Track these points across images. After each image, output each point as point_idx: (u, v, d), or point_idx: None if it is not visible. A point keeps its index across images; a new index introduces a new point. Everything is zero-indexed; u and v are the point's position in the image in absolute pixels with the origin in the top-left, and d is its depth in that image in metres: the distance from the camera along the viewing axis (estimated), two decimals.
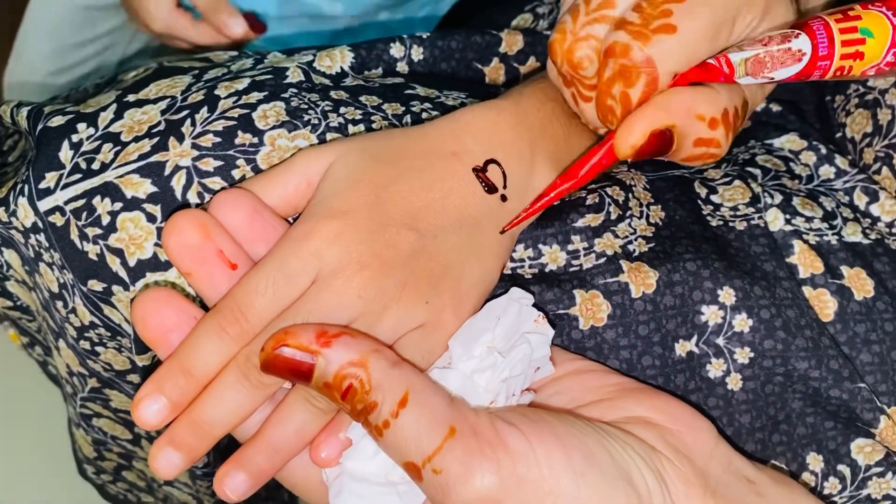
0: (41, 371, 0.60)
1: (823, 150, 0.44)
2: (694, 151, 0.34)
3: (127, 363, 0.42)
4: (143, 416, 0.30)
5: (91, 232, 0.36)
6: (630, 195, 0.39)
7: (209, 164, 0.36)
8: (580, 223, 0.38)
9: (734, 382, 0.37)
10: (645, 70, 0.32)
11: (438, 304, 0.32)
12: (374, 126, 0.39)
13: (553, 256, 0.37)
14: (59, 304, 0.41)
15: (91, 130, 0.37)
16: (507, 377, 0.31)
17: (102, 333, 0.40)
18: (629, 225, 0.38)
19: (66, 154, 0.37)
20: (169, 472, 0.30)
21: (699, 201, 0.40)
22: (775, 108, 0.47)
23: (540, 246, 0.37)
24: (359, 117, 0.38)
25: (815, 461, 0.37)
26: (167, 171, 0.36)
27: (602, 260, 0.37)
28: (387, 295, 0.31)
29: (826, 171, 0.43)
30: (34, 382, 0.77)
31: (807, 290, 0.38)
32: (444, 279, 0.33)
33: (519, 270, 0.37)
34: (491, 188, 0.34)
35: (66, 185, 0.37)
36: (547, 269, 0.37)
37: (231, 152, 0.36)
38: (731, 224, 0.39)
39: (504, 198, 0.34)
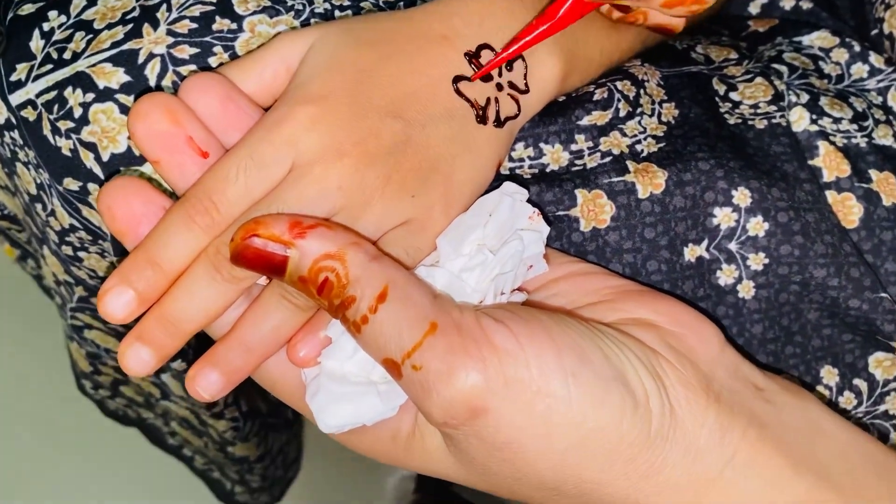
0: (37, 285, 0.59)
1: (857, 48, 0.40)
2: None
3: (111, 269, 0.40)
4: (108, 309, 0.28)
5: (63, 125, 0.34)
6: (642, 91, 0.36)
7: (185, 51, 0.33)
8: (585, 121, 0.35)
9: (746, 290, 0.35)
10: None
11: (426, 200, 0.30)
12: (363, 13, 0.36)
13: (555, 156, 0.35)
14: (39, 206, 0.39)
15: (63, 18, 0.35)
16: (497, 275, 0.29)
17: (83, 237, 0.38)
18: (639, 123, 0.36)
19: (36, 43, 0.35)
20: (139, 369, 0.29)
21: (717, 98, 0.37)
22: (806, 4, 0.44)
23: (541, 145, 0.35)
24: (347, 3, 0.36)
25: (829, 375, 0.35)
26: (141, 59, 0.33)
27: (608, 159, 0.35)
28: (369, 187, 0.29)
29: (858, 69, 0.40)
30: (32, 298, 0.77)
31: (831, 195, 0.36)
32: (433, 173, 0.30)
33: (518, 171, 0.35)
34: (485, 75, 0.31)
35: (38, 77, 0.35)
36: (548, 170, 0.35)
37: (208, 39, 0.33)
38: (750, 122, 0.36)
39: (500, 86, 0.32)
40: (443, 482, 0.87)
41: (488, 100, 0.31)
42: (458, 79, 0.31)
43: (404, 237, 0.30)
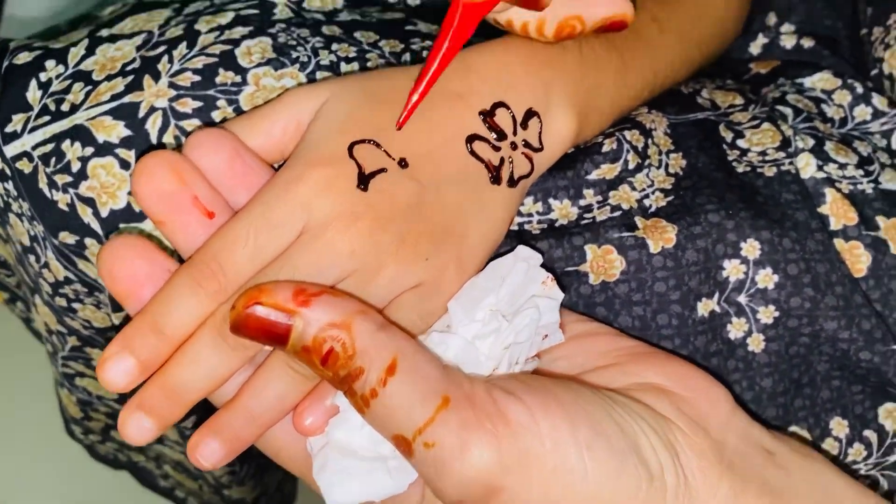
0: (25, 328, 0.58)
1: (859, 89, 0.40)
2: None
3: (107, 320, 0.39)
4: (109, 378, 0.27)
5: (60, 180, 0.33)
6: (650, 141, 0.36)
7: (187, 104, 0.33)
8: (594, 175, 0.35)
9: (756, 343, 0.34)
10: None
11: (439, 263, 0.29)
12: (369, 65, 0.35)
13: (563, 211, 0.34)
14: (32, 258, 0.38)
15: (60, 68, 0.34)
16: (511, 344, 0.29)
17: (78, 289, 0.37)
18: (647, 176, 0.35)
19: (33, 94, 0.34)
20: (140, 439, 0.28)
21: (724, 146, 0.37)
22: (807, 43, 0.44)
23: (550, 200, 0.34)
24: (353, 55, 0.35)
25: (839, 426, 0.35)
26: (141, 113, 0.32)
27: (617, 213, 0.34)
28: (382, 251, 0.28)
29: (862, 111, 0.40)
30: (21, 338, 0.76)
31: (838, 243, 0.35)
32: (447, 235, 0.29)
33: (526, 226, 0.34)
34: (500, 134, 0.31)
35: (34, 129, 0.34)
36: (557, 224, 0.34)
37: (211, 92, 0.33)
38: (759, 170, 0.36)
39: (514, 145, 0.31)
40: None
41: (502, 160, 0.31)
42: (472, 139, 0.30)
43: (417, 301, 0.29)
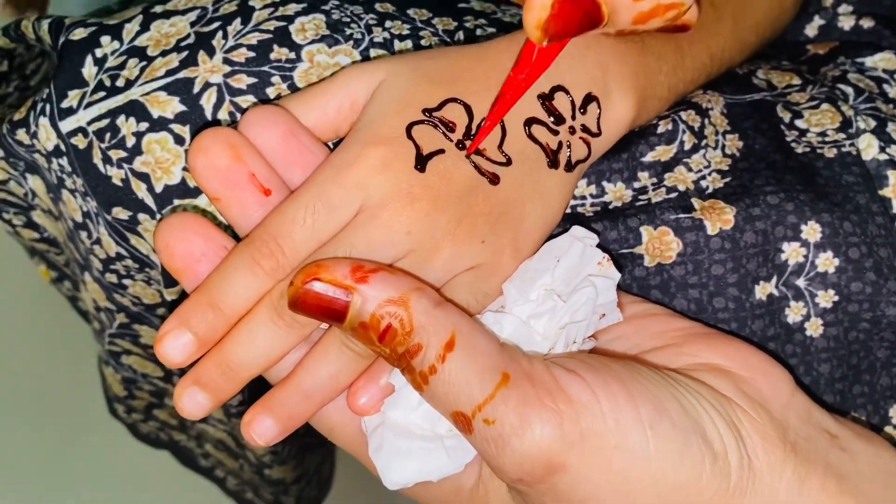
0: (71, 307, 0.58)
1: None
2: (642, 8, 0.27)
3: (157, 296, 0.40)
4: (166, 353, 0.27)
5: (115, 154, 0.33)
6: (706, 121, 0.35)
7: (242, 80, 0.32)
8: (649, 157, 0.34)
9: (814, 328, 0.33)
10: None
11: (496, 245, 0.29)
12: (422, 43, 0.35)
13: (618, 194, 0.34)
14: (84, 234, 0.38)
15: (116, 44, 0.34)
16: (568, 323, 0.28)
17: (129, 265, 0.38)
18: (703, 157, 0.35)
19: (89, 70, 0.34)
20: (195, 413, 0.28)
21: (782, 126, 0.36)
22: (867, 23, 0.43)
23: (604, 183, 0.34)
24: (406, 32, 0.35)
25: None
26: (196, 89, 0.32)
27: (673, 195, 0.33)
28: (439, 232, 0.28)
29: None
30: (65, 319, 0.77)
31: None
32: (503, 218, 0.29)
33: (580, 209, 0.34)
34: (558, 118, 0.30)
35: (90, 104, 0.34)
36: (610, 206, 0.34)
37: (266, 68, 0.33)
38: (819, 151, 0.35)
39: (573, 130, 0.30)
40: None
41: (560, 143, 0.30)
42: (530, 122, 0.30)
43: (472, 282, 0.29)
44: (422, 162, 0.28)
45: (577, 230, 0.30)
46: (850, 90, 0.38)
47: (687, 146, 0.34)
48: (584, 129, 0.31)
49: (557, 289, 0.29)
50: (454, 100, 0.29)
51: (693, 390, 0.27)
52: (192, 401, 0.28)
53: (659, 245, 0.33)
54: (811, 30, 0.47)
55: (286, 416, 0.28)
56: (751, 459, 0.26)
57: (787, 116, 0.37)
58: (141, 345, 0.45)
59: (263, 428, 0.28)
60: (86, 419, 1.03)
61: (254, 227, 0.29)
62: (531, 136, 0.30)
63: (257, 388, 0.46)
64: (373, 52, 0.34)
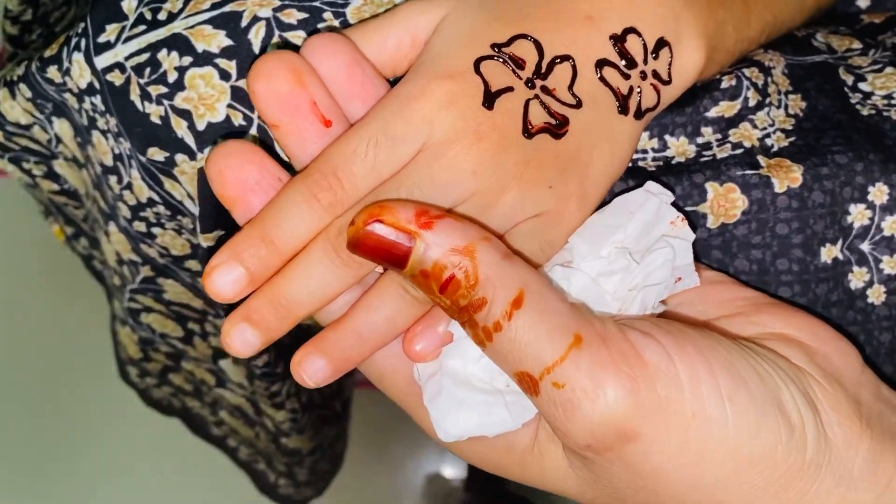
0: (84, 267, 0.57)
1: None
2: None
3: (186, 247, 0.38)
4: (216, 287, 0.26)
5: (155, 90, 0.32)
6: (769, 79, 0.34)
7: (292, 15, 0.31)
8: (713, 112, 0.33)
9: (876, 295, 0.32)
10: None
11: (563, 191, 0.27)
12: None
13: (680, 149, 0.32)
14: (113, 179, 0.37)
15: None
16: (643, 285, 0.27)
17: (161, 212, 0.36)
18: (768, 115, 0.33)
19: (129, 3, 0.33)
20: (242, 352, 0.27)
21: (845, 89, 0.35)
22: None
23: (666, 136, 0.32)
24: None
25: None
26: (244, 22, 0.31)
27: (739, 151, 0.32)
28: (506, 174, 0.27)
29: None
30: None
31: None
32: (572, 162, 0.28)
33: (640, 162, 0.32)
34: (630, 62, 0.29)
35: (129, 38, 0.32)
36: (673, 161, 0.32)
37: (317, 3, 0.31)
38: (885, 113, 0.34)
39: (644, 75, 0.29)
40: (493, 481, 0.85)
41: (631, 89, 0.29)
42: (601, 63, 0.28)
43: (538, 229, 0.27)
44: (490, 99, 0.26)
45: (652, 185, 0.29)
46: None
47: (751, 103, 0.33)
48: (656, 75, 0.29)
49: (630, 247, 0.27)
50: (524, 36, 0.28)
51: (769, 360, 0.25)
52: (241, 338, 0.26)
53: (724, 203, 0.31)
54: (863, 1, 0.46)
55: (339, 357, 0.27)
56: (826, 434, 0.25)
57: (849, 79, 0.36)
58: (164, 301, 0.44)
59: (315, 368, 0.27)
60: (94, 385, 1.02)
61: (311, 159, 0.27)
62: (602, 79, 0.28)
63: (283, 351, 0.45)
64: None
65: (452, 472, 0.98)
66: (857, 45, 0.38)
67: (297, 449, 0.55)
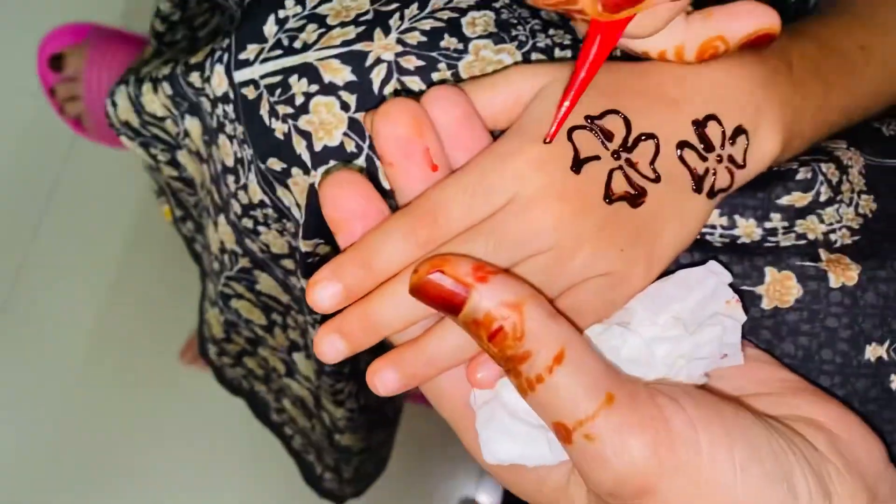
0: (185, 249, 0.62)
1: None
2: None
3: (285, 247, 0.42)
4: (317, 297, 0.30)
5: (282, 110, 0.36)
6: (845, 177, 0.36)
7: (411, 62, 0.35)
8: (784, 200, 0.35)
9: None
10: None
11: (632, 256, 0.30)
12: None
13: (748, 230, 0.35)
14: (231, 178, 0.41)
15: (298, 8, 0.37)
16: (690, 356, 0.29)
17: (269, 214, 0.40)
18: (837, 211, 0.35)
19: (270, 28, 0.37)
20: (332, 357, 0.30)
21: None
22: None
23: (735, 216, 0.35)
24: (567, 42, 0.36)
25: None
26: (368, 62, 0.35)
27: (802, 242, 0.34)
28: (583, 233, 0.29)
29: None
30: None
31: None
32: (643, 231, 0.30)
33: (708, 237, 0.35)
34: (708, 146, 0.31)
35: (266, 60, 0.36)
36: (739, 241, 0.35)
37: (434, 54, 0.35)
38: None
39: (720, 158, 0.32)
40: None
41: (707, 170, 0.31)
42: (682, 145, 0.31)
43: (604, 288, 0.30)
44: (578, 164, 0.29)
45: (713, 265, 0.31)
46: None
47: (822, 198, 0.35)
48: (731, 159, 0.32)
49: (685, 318, 0.30)
50: (615, 111, 0.30)
51: (790, 440, 0.27)
52: (331, 346, 0.30)
53: (780, 288, 0.33)
54: None
55: (409, 373, 0.30)
56: None
57: None
58: (255, 290, 0.48)
59: (387, 378, 0.30)
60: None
61: (413, 196, 0.30)
62: (681, 159, 0.31)
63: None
64: (534, 56, 0.36)
65: (487, 499, 1.00)
66: None
67: (348, 447, 0.58)
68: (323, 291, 0.29)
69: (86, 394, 1.10)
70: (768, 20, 0.30)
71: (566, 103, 0.29)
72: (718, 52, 0.31)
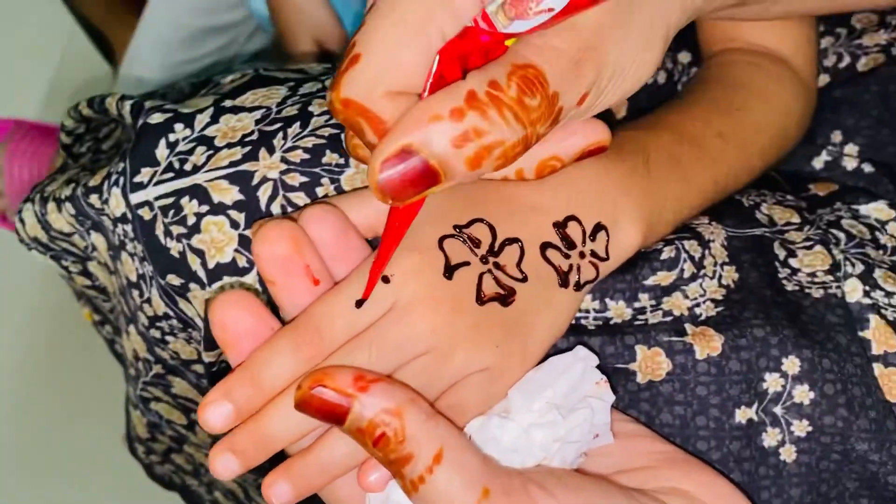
0: (107, 349, 0.62)
1: None
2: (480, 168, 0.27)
3: (194, 353, 0.43)
4: (209, 419, 0.31)
5: (176, 230, 0.37)
6: (707, 251, 0.39)
7: (296, 178, 0.37)
8: (650, 281, 0.38)
9: (788, 454, 0.36)
10: (354, 114, 0.27)
11: (508, 350, 0.33)
12: None
13: (619, 312, 0.37)
14: (136, 292, 0.42)
15: (187, 132, 0.39)
16: (565, 440, 0.32)
17: (174, 324, 0.42)
18: (700, 286, 0.38)
19: (161, 152, 0.39)
20: (226, 475, 0.32)
21: (777, 263, 0.40)
22: (867, 168, 0.47)
23: (607, 300, 0.37)
24: None
25: None
26: (255, 181, 0.37)
27: (668, 318, 0.37)
28: (458, 333, 0.32)
29: None
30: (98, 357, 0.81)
31: (877, 368, 0.38)
32: (517, 327, 0.33)
33: (583, 321, 0.37)
34: (570, 244, 0.34)
35: (159, 182, 0.38)
36: (611, 322, 0.37)
37: (317, 170, 0.37)
38: (807, 290, 0.39)
39: (583, 254, 0.34)
40: None
41: (571, 266, 0.34)
42: (545, 246, 0.34)
43: (482, 383, 0.32)
44: (450, 271, 0.32)
45: (580, 350, 0.34)
46: (842, 235, 0.42)
47: (686, 274, 0.38)
48: (594, 254, 0.34)
49: (557, 402, 0.32)
50: (481, 220, 0.33)
51: None
52: (224, 465, 0.31)
53: (651, 364, 0.36)
54: (818, 162, 0.51)
55: (303, 484, 0.31)
56: None
57: (782, 254, 0.41)
58: (171, 394, 0.49)
59: (281, 491, 0.31)
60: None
61: (299, 311, 0.32)
62: (546, 258, 0.33)
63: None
64: None
65: None
66: (796, 218, 0.43)
67: None
68: (214, 413, 0.31)
69: (19, 485, 1.07)
70: (597, 136, 0.33)
71: (378, 268, 0.31)
72: (556, 168, 0.34)
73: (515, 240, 0.33)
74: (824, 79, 0.54)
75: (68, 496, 1.08)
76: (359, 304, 0.31)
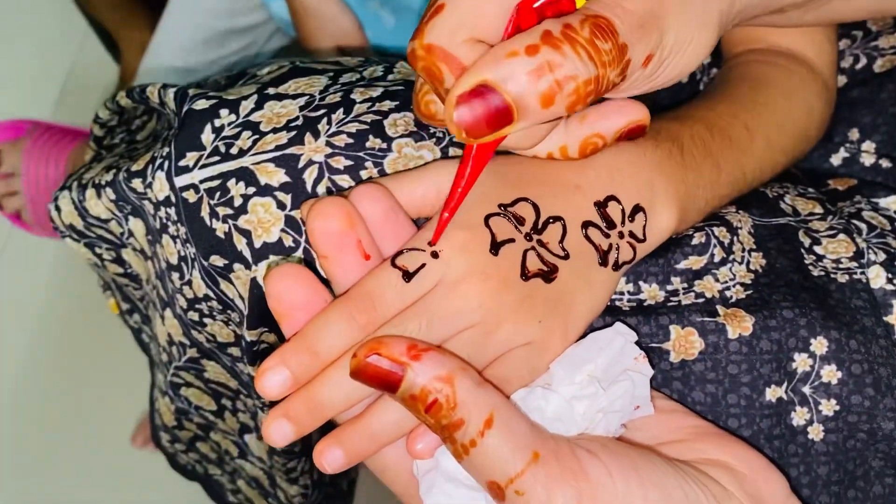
0: (133, 339, 0.63)
1: None
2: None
3: (231, 336, 0.44)
4: (265, 386, 0.32)
5: (222, 211, 0.39)
6: (735, 238, 0.40)
7: (340, 162, 0.38)
8: (682, 265, 0.39)
9: (816, 433, 0.37)
10: (436, 59, 0.28)
11: (550, 326, 0.34)
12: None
13: (652, 294, 0.39)
14: (175, 275, 0.43)
15: (232, 117, 0.40)
16: (606, 410, 0.33)
17: (214, 306, 0.43)
18: (730, 270, 0.39)
19: (207, 136, 0.40)
20: (280, 441, 0.32)
21: (802, 250, 0.41)
22: (885, 164, 0.48)
23: (640, 283, 0.39)
24: None
25: None
26: (301, 164, 0.38)
27: (701, 300, 0.38)
28: (504, 308, 0.33)
29: None
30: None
31: None
32: (559, 304, 0.34)
33: (617, 302, 0.39)
34: (610, 223, 0.35)
35: (205, 166, 0.39)
36: (645, 304, 0.38)
37: (361, 154, 0.38)
38: (832, 276, 0.40)
39: (622, 234, 0.36)
40: None
41: (610, 245, 0.35)
42: (586, 224, 0.35)
43: (525, 357, 0.33)
44: (496, 247, 0.33)
45: (619, 326, 0.35)
46: (863, 226, 0.43)
47: (716, 259, 0.39)
48: (632, 235, 0.36)
49: (598, 376, 0.33)
50: (525, 199, 0.34)
51: (699, 482, 0.31)
52: (279, 430, 0.32)
53: (684, 343, 0.37)
54: (836, 159, 0.53)
55: (353, 451, 0.32)
56: None
57: (807, 241, 0.42)
58: (203, 378, 0.50)
59: (333, 457, 0.32)
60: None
61: (350, 285, 0.33)
62: (587, 237, 0.35)
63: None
64: (451, 150, 0.39)
65: None
66: (819, 209, 0.45)
67: None
68: (271, 379, 0.32)
69: (37, 482, 1.08)
70: (637, 114, 0.35)
71: (446, 214, 0.33)
72: (598, 147, 0.35)
73: (558, 218, 0.34)
74: (841, 80, 0.55)
75: (72, 496, 1.08)
76: (408, 277, 0.32)
